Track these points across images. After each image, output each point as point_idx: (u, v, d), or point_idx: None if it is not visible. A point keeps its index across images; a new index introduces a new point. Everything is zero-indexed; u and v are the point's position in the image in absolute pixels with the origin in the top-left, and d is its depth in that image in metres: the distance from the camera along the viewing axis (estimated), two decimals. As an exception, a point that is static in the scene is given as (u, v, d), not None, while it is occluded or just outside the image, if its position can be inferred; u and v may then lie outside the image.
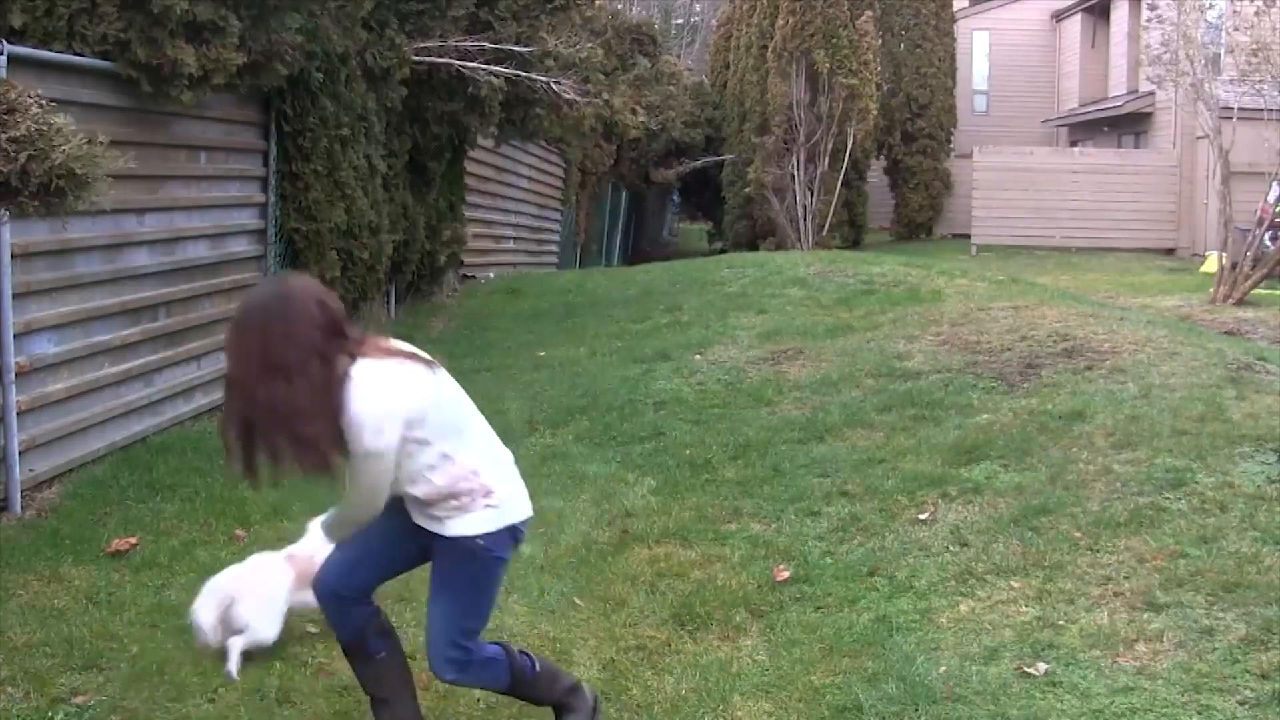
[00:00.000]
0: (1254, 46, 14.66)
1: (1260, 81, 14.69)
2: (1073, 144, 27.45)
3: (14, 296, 5.61)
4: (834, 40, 20.96)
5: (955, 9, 26.56)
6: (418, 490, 3.28)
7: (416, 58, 9.92)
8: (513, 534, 3.40)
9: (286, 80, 7.89)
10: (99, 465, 6.41)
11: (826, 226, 21.26)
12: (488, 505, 3.33)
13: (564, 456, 6.86)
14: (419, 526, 3.35)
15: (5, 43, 5.43)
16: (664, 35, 32.34)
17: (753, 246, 21.88)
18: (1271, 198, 14.83)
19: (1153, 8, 16.77)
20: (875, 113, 21.75)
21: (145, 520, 5.64)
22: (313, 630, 4.43)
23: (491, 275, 15.23)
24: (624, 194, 25.63)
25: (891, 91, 24.69)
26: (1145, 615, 4.22)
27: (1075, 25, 27.92)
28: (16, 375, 5.64)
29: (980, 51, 29.44)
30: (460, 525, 3.31)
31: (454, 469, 3.27)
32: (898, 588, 4.73)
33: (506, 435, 7.60)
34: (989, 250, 21.78)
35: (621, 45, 21.47)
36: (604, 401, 7.86)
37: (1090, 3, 26.82)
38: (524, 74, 10.60)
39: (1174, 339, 7.80)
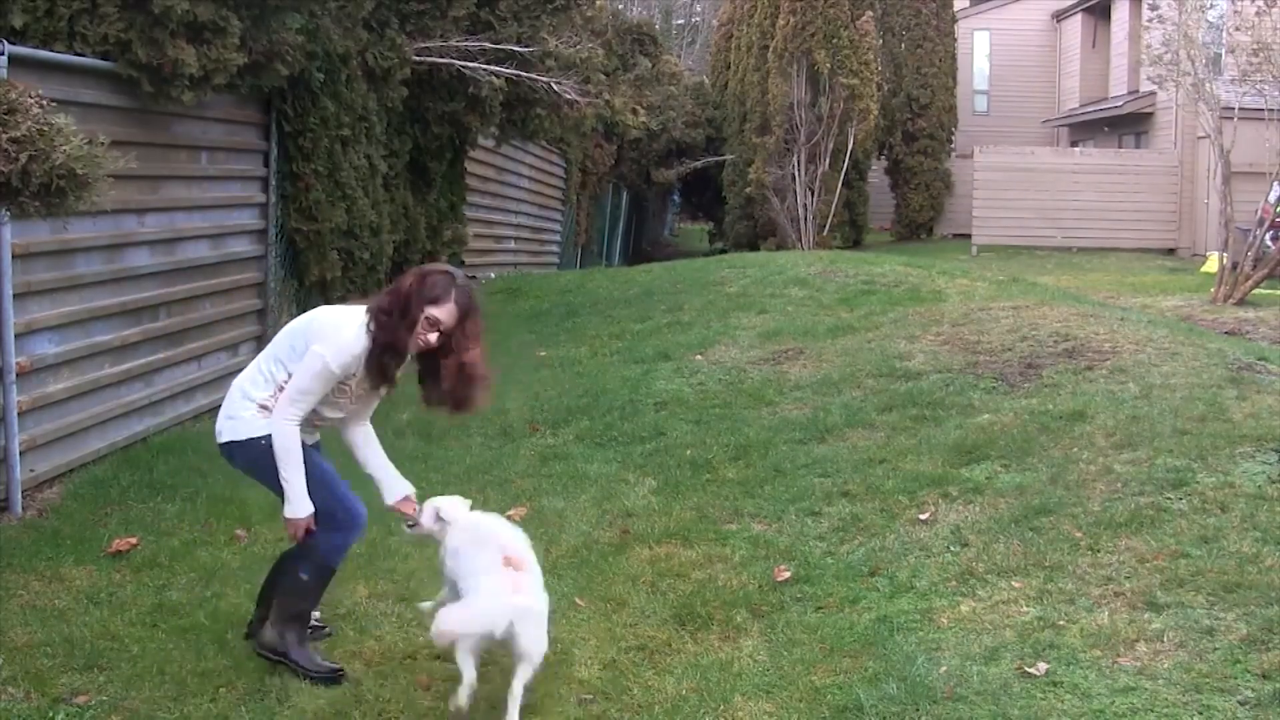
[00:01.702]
0: (1255, 46, 14.66)
1: (1261, 81, 14.69)
2: (1073, 144, 27.44)
3: (14, 296, 5.61)
4: (834, 40, 20.96)
5: (955, 9, 26.56)
6: None
7: (417, 58, 9.92)
8: None
9: (287, 80, 7.89)
10: (99, 465, 6.41)
11: (827, 226, 21.26)
12: None
13: (565, 457, 6.86)
14: None
15: (6, 43, 5.43)
16: (664, 35, 32.35)
17: (753, 246, 21.88)
18: (1272, 198, 14.83)
19: (1153, 8, 16.77)
20: (876, 113, 21.75)
21: (146, 520, 5.64)
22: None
23: (492, 275, 15.23)
24: (624, 194, 25.63)
25: (892, 91, 24.69)
26: (1146, 615, 4.21)
27: (1076, 25, 27.92)
28: (17, 375, 5.64)
29: (981, 51, 29.44)
30: None
31: None
32: (898, 588, 4.73)
33: (507, 435, 7.64)
34: (990, 250, 21.78)
35: (622, 45, 21.48)
36: (605, 402, 7.86)
37: (1091, 3, 26.82)
38: (525, 74, 10.60)
39: (1174, 339, 7.80)
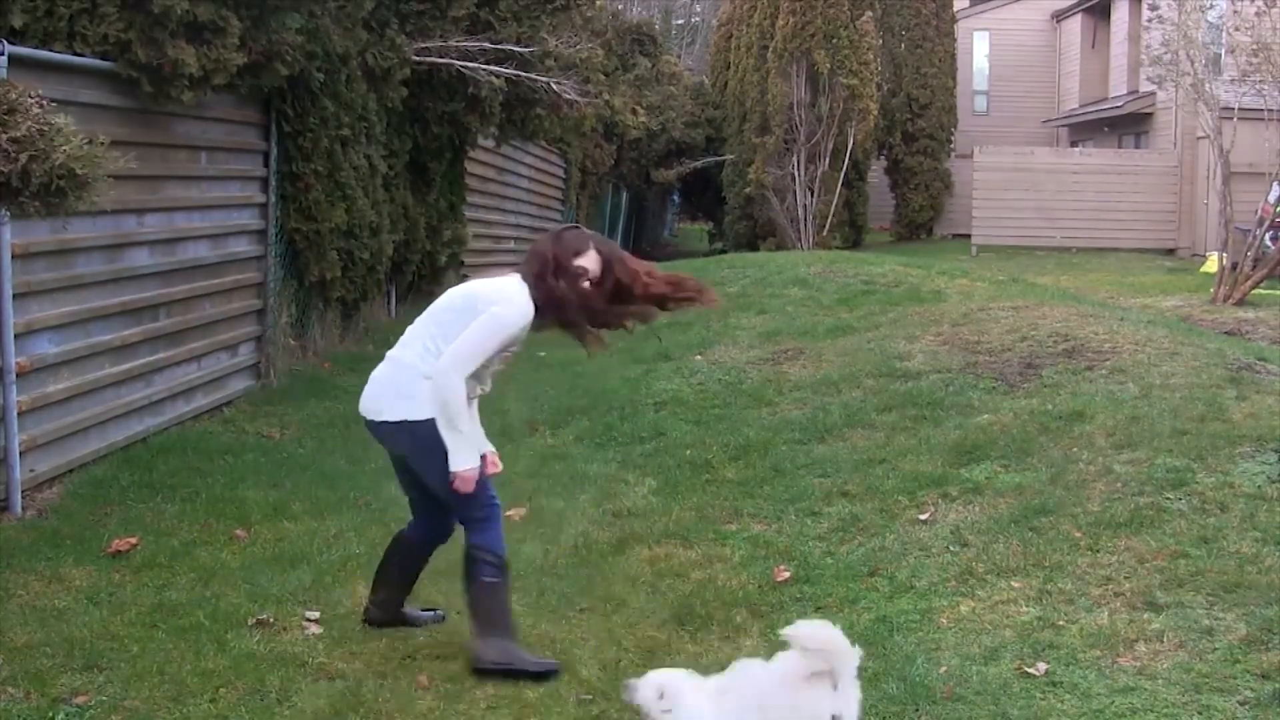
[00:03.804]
0: (1254, 46, 14.65)
1: (1261, 82, 14.68)
2: (1073, 144, 27.44)
3: (14, 296, 5.61)
4: (834, 40, 20.95)
5: (955, 9, 26.54)
6: None
7: (417, 58, 9.92)
8: None
9: (287, 80, 7.89)
10: (99, 465, 6.41)
11: (827, 227, 21.25)
12: None
13: (564, 457, 6.86)
14: None
15: (6, 43, 5.43)
16: (664, 35, 32.34)
17: (753, 247, 21.87)
18: (1272, 198, 14.83)
19: (1153, 8, 16.75)
20: (875, 113, 21.74)
21: (145, 520, 5.64)
22: (314, 630, 4.43)
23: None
24: (624, 194, 25.62)
25: (892, 91, 24.67)
26: (1145, 615, 4.22)
27: (1075, 25, 27.91)
28: (17, 375, 5.64)
29: (980, 51, 29.43)
30: None
31: None
32: (898, 588, 4.73)
33: (507, 435, 7.64)
34: (989, 250, 21.78)
35: (622, 45, 21.49)
36: (604, 402, 7.86)
37: (1090, 3, 26.81)
38: (524, 74, 10.60)
39: (1174, 339, 7.80)
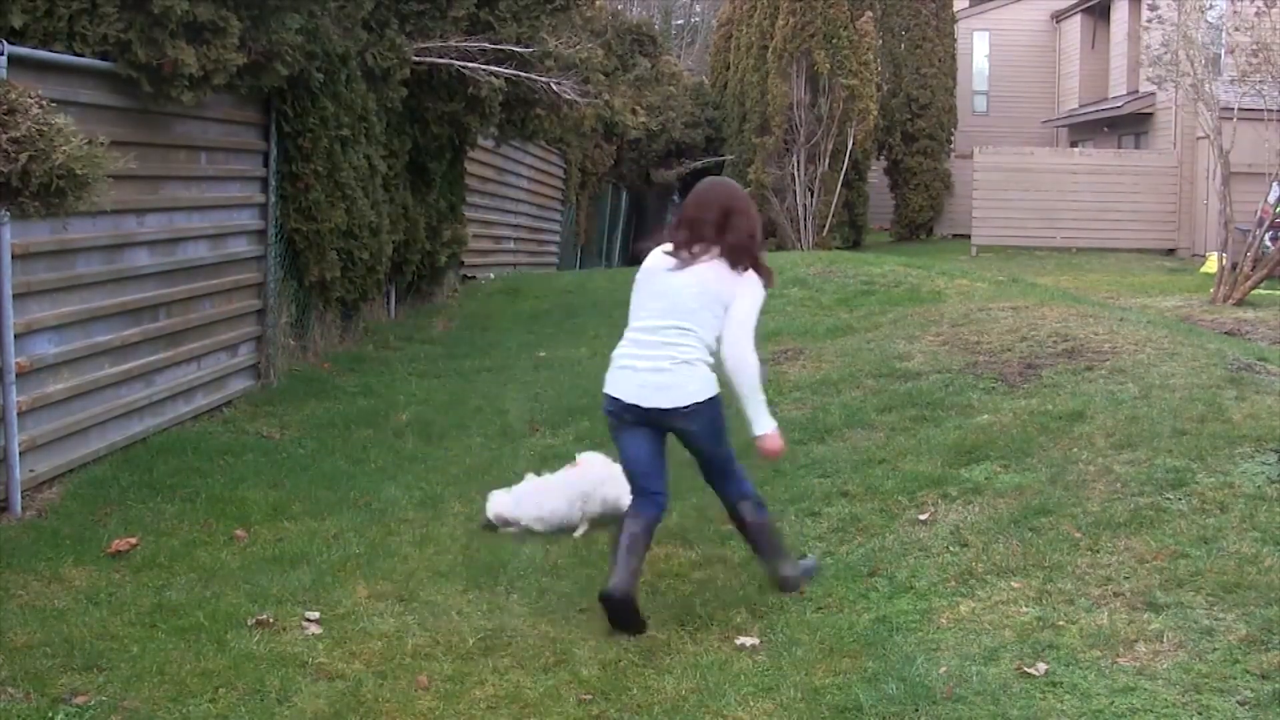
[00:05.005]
0: (1254, 47, 14.68)
1: (1260, 82, 14.70)
2: (1073, 144, 27.45)
3: (14, 296, 5.61)
4: (834, 41, 20.97)
5: (955, 9, 26.55)
6: None
7: (417, 58, 9.93)
8: (607, 399, 4.77)
9: (287, 81, 7.88)
10: (99, 465, 6.41)
11: (826, 227, 21.26)
12: None
13: (565, 457, 6.83)
14: None
15: (5, 43, 5.43)
16: (664, 35, 32.35)
17: (753, 247, 21.85)
18: (1272, 198, 14.85)
19: (1153, 8, 16.77)
20: (875, 113, 21.75)
21: (145, 520, 5.64)
22: (314, 630, 4.43)
23: (492, 276, 15.23)
24: (624, 194, 25.63)
25: (891, 92, 24.68)
26: (1145, 615, 4.22)
27: (1075, 26, 27.93)
28: (17, 375, 5.64)
29: (980, 52, 29.45)
30: None
31: None
32: (898, 588, 4.73)
33: (507, 435, 7.63)
34: (989, 251, 21.79)
35: (621, 46, 21.50)
36: (604, 402, 7.84)
37: (1090, 3, 26.83)
38: (524, 74, 10.60)
39: (1174, 339, 7.80)
